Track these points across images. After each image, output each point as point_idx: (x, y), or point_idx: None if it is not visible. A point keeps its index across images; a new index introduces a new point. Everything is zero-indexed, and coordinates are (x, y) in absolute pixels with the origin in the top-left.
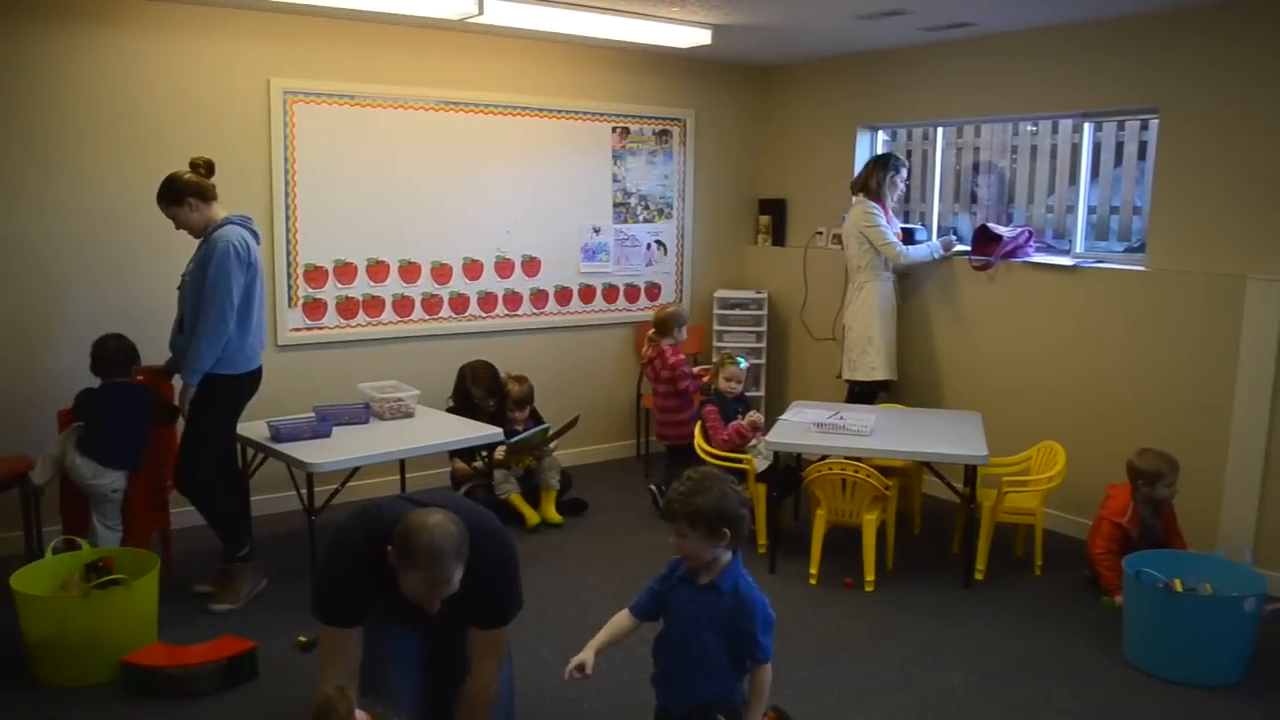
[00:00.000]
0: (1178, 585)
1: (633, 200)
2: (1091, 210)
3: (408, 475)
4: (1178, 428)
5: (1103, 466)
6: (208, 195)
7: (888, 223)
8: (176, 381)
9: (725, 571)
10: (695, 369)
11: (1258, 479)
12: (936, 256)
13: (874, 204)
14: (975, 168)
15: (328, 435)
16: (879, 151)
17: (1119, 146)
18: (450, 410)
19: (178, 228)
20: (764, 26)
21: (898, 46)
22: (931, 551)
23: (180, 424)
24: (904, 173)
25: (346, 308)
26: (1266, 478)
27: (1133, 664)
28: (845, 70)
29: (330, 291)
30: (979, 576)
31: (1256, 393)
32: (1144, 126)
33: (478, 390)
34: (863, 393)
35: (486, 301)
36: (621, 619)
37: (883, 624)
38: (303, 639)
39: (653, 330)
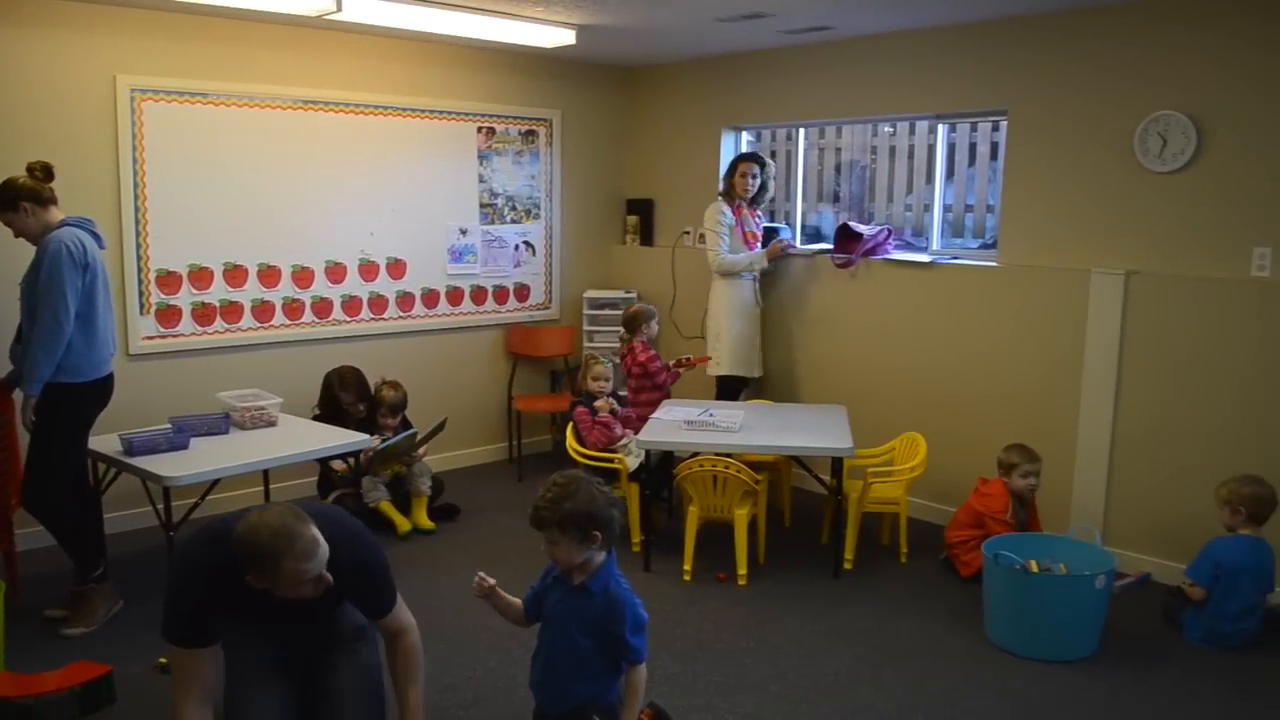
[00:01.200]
0: (1033, 566)
1: (499, 201)
2: (948, 209)
3: (272, 486)
4: (1030, 416)
5: (961, 455)
6: (44, 199)
7: (742, 221)
8: (18, 395)
9: (597, 573)
10: (673, 362)
11: (1105, 463)
12: (757, 268)
13: (725, 205)
14: (837, 168)
15: (185, 447)
16: (743, 151)
17: (972, 147)
18: (317, 418)
19: (16, 235)
20: (627, 27)
21: (760, 48)
22: (802, 543)
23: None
24: (757, 170)
25: (203, 314)
26: (1113, 461)
27: (993, 643)
28: (710, 71)
29: (185, 298)
30: (848, 566)
31: (1102, 380)
32: (995, 128)
33: (347, 395)
34: (725, 390)
35: (351, 305)
36: (518, 602)
37: (756, 616)
38: (162, 660)
39: (622, 330)
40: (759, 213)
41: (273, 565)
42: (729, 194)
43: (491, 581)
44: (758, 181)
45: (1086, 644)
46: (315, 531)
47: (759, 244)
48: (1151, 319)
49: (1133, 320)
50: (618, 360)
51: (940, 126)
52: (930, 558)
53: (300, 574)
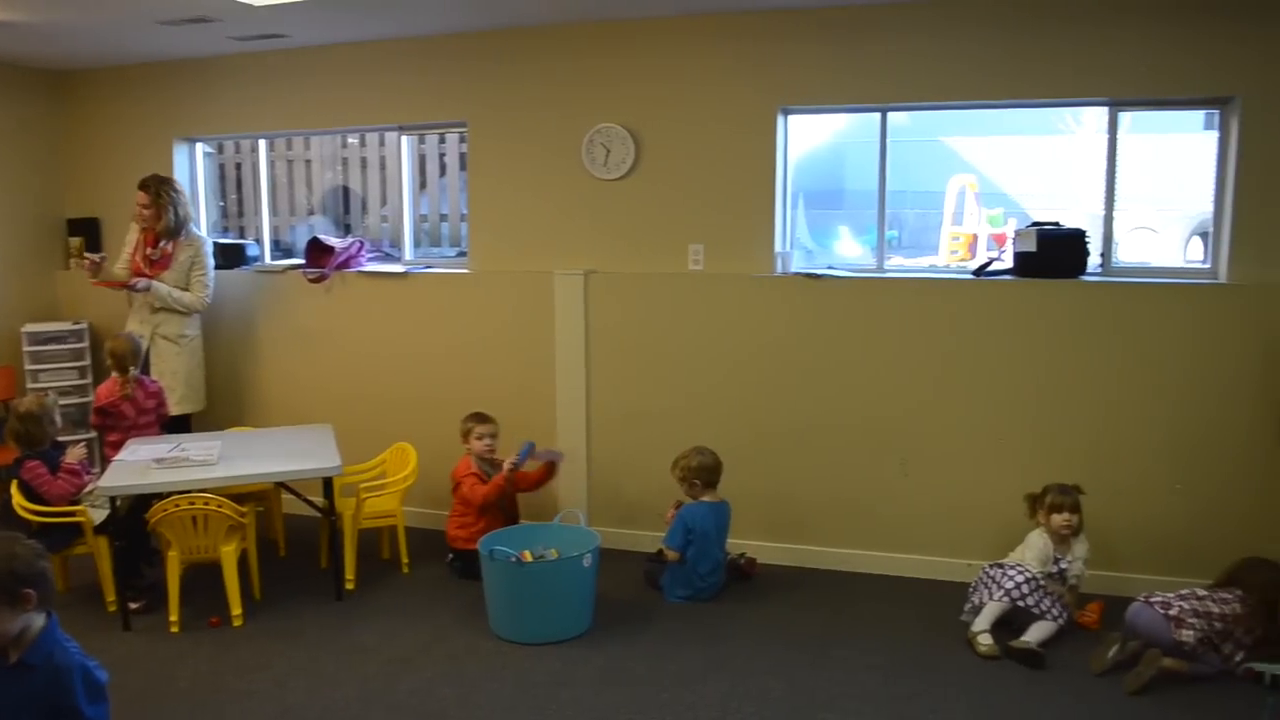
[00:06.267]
0: (527, 556)
1: None
2: (423, 219)
3: None
4: (514, 411)
5: (452, 459)
6: None
7: (136, 249)
8: None
9: (36, 643)
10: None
11: (583, 448)
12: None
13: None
14: (309, 180)
15: None
16: (200, 164)
17: (442, 158)
18: None
19: None
20: (52, 26)
21: (212, 55)
22: (300, 571)
23: None
24: (146, 199)
25: None
26: (590, 446)
27: (499, 635)
28: (159, 78)
29: None
30: (350, 586)
31: (573, 373)
32: (462, 139)
33: None
34: (179, 429)
35: None
36: None
37: (258, 656)
38: None
39: (113, 367)
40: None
41: None
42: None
43: None
44: (150, 212)
45: (581, 621)
46: None
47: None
48: (610, 313)
49: (594, 315)
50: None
51: (404, 138)
52: (433, 564)
53: None
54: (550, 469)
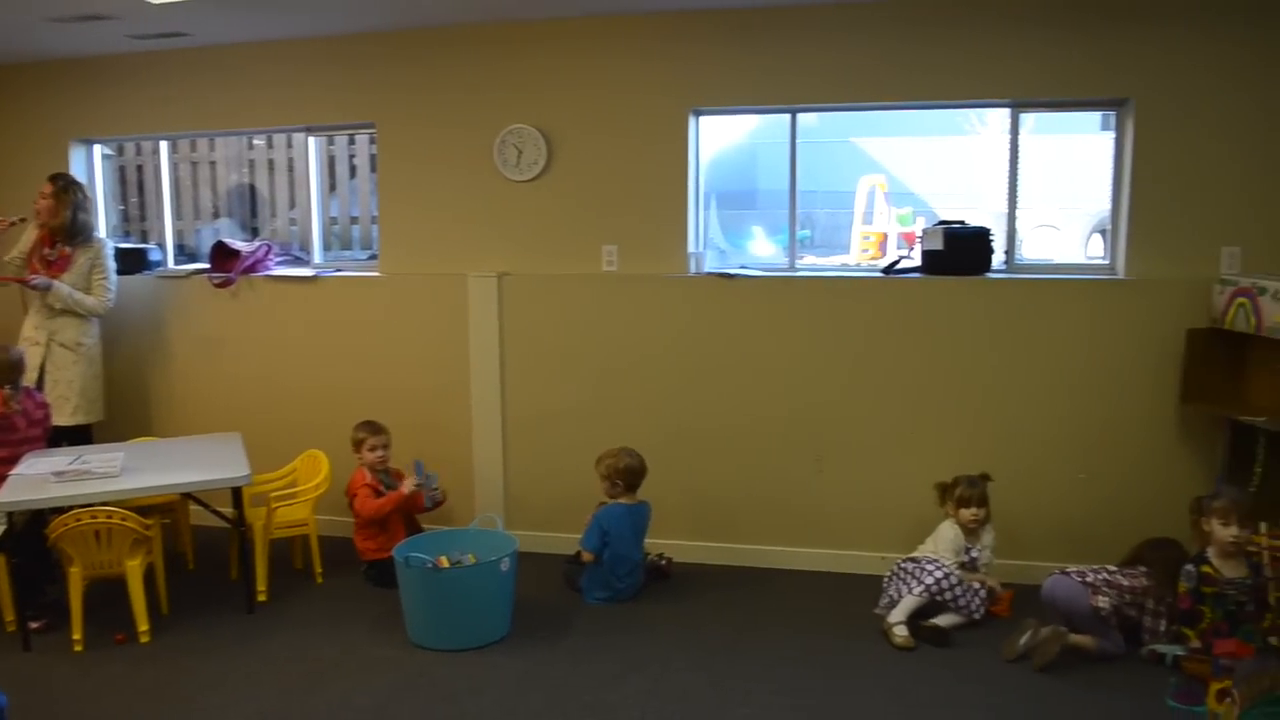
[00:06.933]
0: (444, 562)
1: None
2: (333, 221)
3: None
4: (429, 415)
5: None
6: None
7: (34, 249)
8: None
9: None
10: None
11: (499, 451)
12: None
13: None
14: (214, 183)
15: None
16: (98, 167)
17: (352, 159)
18: None
19: None
20: None
21: (110, 54)
22: (210, 584)
23: None
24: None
25: None
26: (506, 448)
27: (417, 644)
28: (54, 78)
29: None
30: (262, 598)
31: (488, 375)
32: (373, 140)
33: None
34: (79, 441)
35: None
36: None
37: (166, 672)
38: None
39: None
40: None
41: None
42: None
43: None
44: (48, 204)
45: (500, 626)
46: None
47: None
48: (524, 315)
49: (509, 317)
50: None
51: (311, 139)
52: (348, 573)
53: None
54: (433, 505)
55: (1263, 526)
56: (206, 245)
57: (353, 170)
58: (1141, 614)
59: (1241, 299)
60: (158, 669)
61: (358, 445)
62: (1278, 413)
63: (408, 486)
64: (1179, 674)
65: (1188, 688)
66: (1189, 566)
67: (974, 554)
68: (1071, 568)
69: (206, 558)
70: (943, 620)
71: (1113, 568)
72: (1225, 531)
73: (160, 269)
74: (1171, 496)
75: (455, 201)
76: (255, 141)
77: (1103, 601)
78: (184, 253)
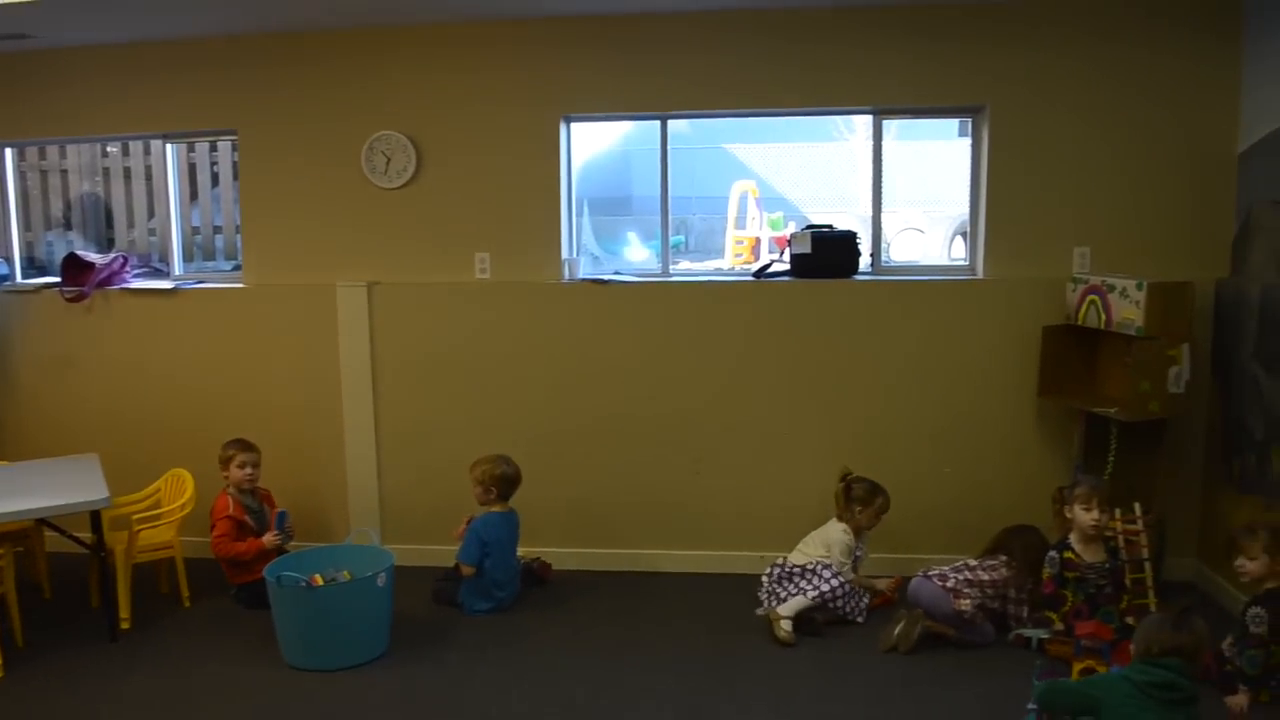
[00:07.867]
0: (318, 580)
1: None
2: (196, 231)
3: None
4: (299, 429)
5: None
6: None
7: None
8: None
9: None
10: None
11: (373, 463)
12: None
13: None
14: (65, 192)
15: None
16: None
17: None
18: None
19: None
20: None
21: None
22: (69, 613)
23: None
24: None
25: None
26: (380, 461)
27: (293, 666)
28: None
29: None
30: (126, 626)
31: (359, 386)
32: (235, 148)
33: None
34: None
35: None
36: None
37: (21, 710)
38: None
39: None
40: None
41: None
42: None
43: None
44: None
45: (378, 644)
46: None
47: None
48: (396, 325)
49: (380, 327)
50: None
51: (169, 147)
52: (217, 595)
53: None
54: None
55: (1117, 512)
56: (57, 257)
57: (215, 178)
58: (1005, 604)
59: (1093, 296)
60: (12, 706)
61: (225, 462)
62: (1127, 404)
63: (269, 541)
64: (1044, 656)
65: (1052, 668)
66: (1052, 553)
67: (858, 553)
68: (934, 569)
69: (64, 586)
70: (819, 614)
71: (973, 562)
72: (1087, 516)
73: (7, 283)
74: (1033, 485)
75: (323, 210)
76: (109, 149)
77: (965, 604)
78: (33, 265)
